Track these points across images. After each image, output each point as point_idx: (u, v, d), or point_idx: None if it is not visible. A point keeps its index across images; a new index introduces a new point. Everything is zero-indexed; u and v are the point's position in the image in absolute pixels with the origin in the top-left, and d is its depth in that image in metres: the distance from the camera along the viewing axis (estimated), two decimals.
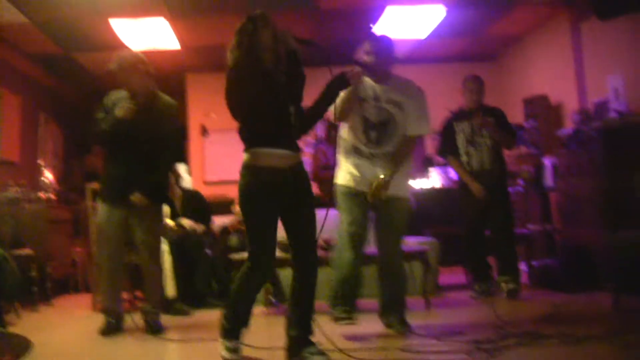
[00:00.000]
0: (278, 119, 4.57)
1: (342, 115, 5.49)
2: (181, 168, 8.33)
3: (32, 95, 11.06)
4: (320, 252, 6.86)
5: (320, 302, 5.41)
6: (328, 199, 9.26)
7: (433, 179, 10.31)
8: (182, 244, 7.66)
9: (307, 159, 11.47)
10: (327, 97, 4.87)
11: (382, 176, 5.50)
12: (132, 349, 5.58)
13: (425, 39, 10.88)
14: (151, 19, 9.35)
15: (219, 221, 8.63)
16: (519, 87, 10.99)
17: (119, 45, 10.15)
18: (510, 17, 9.93)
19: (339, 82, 4.83)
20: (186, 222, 8.05)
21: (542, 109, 9.76)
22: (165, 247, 7.44)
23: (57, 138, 12.18)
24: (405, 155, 5.65)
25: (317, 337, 4.68)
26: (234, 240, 7.70)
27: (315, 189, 9.78)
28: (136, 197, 5.90)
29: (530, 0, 9.23)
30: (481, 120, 7.24)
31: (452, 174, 10.30)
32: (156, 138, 6.00)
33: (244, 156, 4.57)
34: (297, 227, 4.75)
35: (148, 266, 6.15)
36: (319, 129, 11.62)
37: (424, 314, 6.48)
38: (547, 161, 8.77)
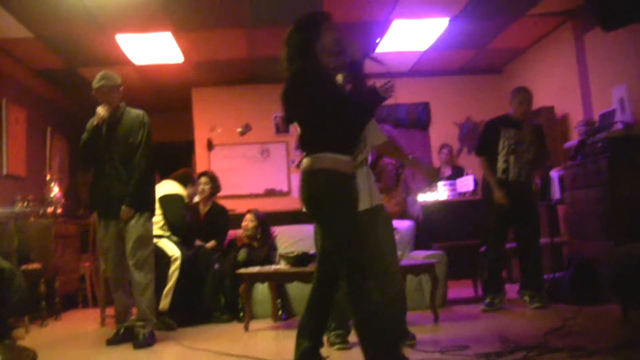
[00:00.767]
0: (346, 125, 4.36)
1: None
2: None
3: (38, 110, 11.08)
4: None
5: None
6: None
7: (441, 192, 10.30)
8: (193, 259, 7.66)
9: None
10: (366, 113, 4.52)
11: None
12: None
13: (430, 51, 10.91)
14: (156, 34, 9.38)
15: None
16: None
17: (123, 60, 10.21)
18: (514, 29, 9.95)
19: (376, 98, 4.45)
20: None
21: (547, 120, 9.76)
22: (177, 255, 7.49)
23: (63, 152, 12.20)
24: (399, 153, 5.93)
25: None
26: (242, 254, 7.69)
27: None
28: (123, 211, 6.14)
29: (534, 12, 9.23)
30: (529, 132, 7.30)
31: (460, 187, 10.30)
32: (130, 148, 6.27)
33: (307, 162, 4.33)
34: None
35: (134, 277, 6.22)
36: None
37: (432, 327, 6.47)
38: (554, 173, 8.77)
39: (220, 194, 8.83)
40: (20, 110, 10.22)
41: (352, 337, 5.18)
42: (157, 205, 7.82)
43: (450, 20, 9.43)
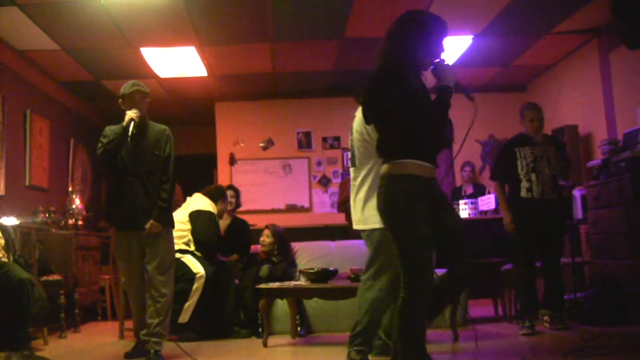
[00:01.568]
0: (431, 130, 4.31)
1: None
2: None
3: (62, 121, 11.15)
4: (348, 283, 6.89)
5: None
6: (354, 230, 9.28)
7: (462, 211, 10.26)
8: (214, 274, 7.66)
9: (334, 189, 11.48)
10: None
11: None
12: None
13: (454, 68, 10.86)
14: (181, 49, 9.43)
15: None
16: (548, 117, 10.88)
17: (148, 73, 10.26)
18: (538, 46, 9.92)
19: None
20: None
21: (571, 139, 9.70)
22: (202, 273, 7.49)
23: (86, 164, 12.26)
24: None
25: None
26: (264, 270, 7.66)
27: (342, 220, 9.82)
28: (151, 224, 5.96)
29: (559, 29, 9.20)
30: (545, 146, 7.13)
31: (482, 205, 10.25)
32: (156, 161, 6.15)
33: (387, 168, 4.23)
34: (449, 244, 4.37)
35: (157, 295, 6.04)
36: (346, 160, 11.64)
37: (452, 346, 6.43)
38: (577, 192, 8.71)
39: (242, 208, 8.85)
40: (44, 121, 10.28)
41: None
42: (184, 219, 7.87)
43: (474, 38, 9.41)
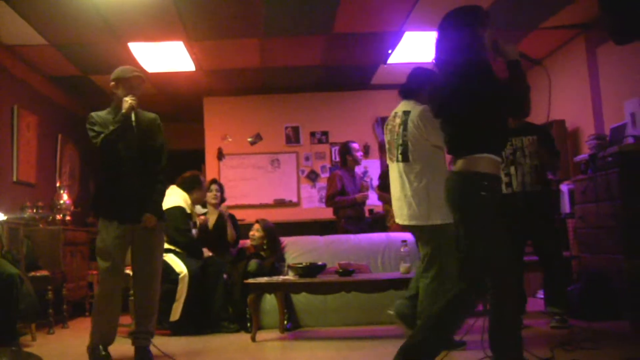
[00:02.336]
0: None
1: None
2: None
3: (49, 116, 11.12)
4: (336, 277, 6.91)
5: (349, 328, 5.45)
6: (343, 225, 9.32)
7: None
8: (201, 270, 7.66)
9: (322, 184, 11.50)
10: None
11: None
12: None
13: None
14: (169, 43, 9.41)
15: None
16: (535, 112, 10.91)
17: (136, 68, 10.21)
18: (526, 41, 9.93)
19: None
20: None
21: (558, 134, 9.72)
22: (185, 272, 7.47)
23: (74, 159, 12.22)
24: None
25: None
26: (253, 265, 7.66)
27: (330, 214, 9.84)
28: (147, 218, 5.72)
29: (547, 24, 9.22)
30: (537, 156, 7.05)
31: None
32: (150, 150, 5.91)
33: (465, 163, 4.20)
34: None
35: (148, 290, 5.88)
36: (335, 154, 11.66)
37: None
38: (564, 187, 8.74)
39: (230, 203, 8.86)
40: (31, 116, 10.25)
41: None
42: None
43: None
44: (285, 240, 8.41)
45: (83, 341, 5.89)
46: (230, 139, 12.16)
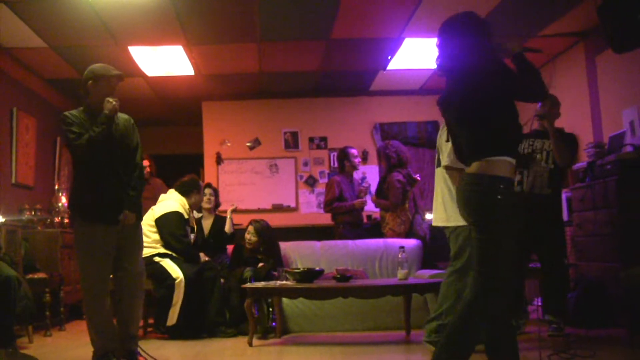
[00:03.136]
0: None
1: None
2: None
3: (48, 119, 11.11)
4: (333, 283, 6.91)
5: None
6: (340, 230, 9.32)
7: None
8: (198, 275, 7.65)
9: (320, 189, 11.50)
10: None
11: None
12: None
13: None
14: (169, 47, 9.42)
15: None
16: (534, 119, 10.95)
17: (136, 71, 10.25)
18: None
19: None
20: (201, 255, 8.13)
21: None
22: (181, 277, 7.46)
23: (72, 162, 12.20)
24: None
25: None
26: (248, 273, 7.63)
27: (328, 220, 9.84)
28: (126, 214, 5.64)
29: (546, 32, 9.23)
30: (547, 140, 6.94)
31: None
32: (127, 150, 5.82)
33: (480, 165, 4.14)
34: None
35: (135, 292, 5.84)
36: (333, 160, 11.65)
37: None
38: (562, 195, 8.75)
39: (228, 207, 8.86)
40: (30, 119, 10.25)
41: None
42: (151, 223, 7.83)
43: None
44: (283, 246, 8.40)
45: (80, 344, 5.91)
46: (228, 144, 12.16)
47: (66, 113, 5.83)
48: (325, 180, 11.69)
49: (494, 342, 4.09)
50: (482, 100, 4.16)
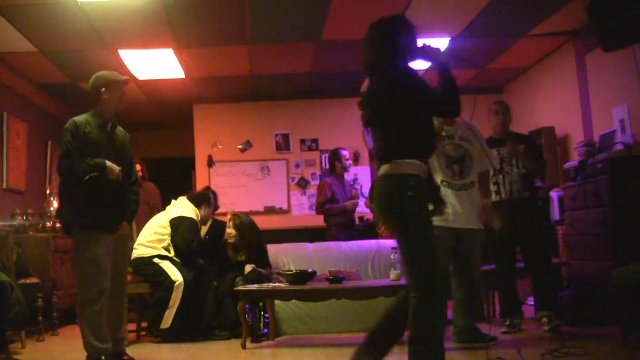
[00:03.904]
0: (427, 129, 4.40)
1: None
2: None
3: (39, 124, 11.09)
4: (326, 285, 6.91)
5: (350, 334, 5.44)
6: (333, 232, 9.32)
7: None
8: (195, 278, 7.66)
9: (312, 191, 11.50)
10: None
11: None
12: None
13: (431, 70, 10.91)
14: (159, 51, 9.41)
15: None
16: (525, 119, 10.97)
17: (126, 75, 10.19)
18: (515, 49, 9.97)
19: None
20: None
21: (548, 141, 9.75)
22: (180, 280, 7.47)
23: None
24: (485, 188, 6.61)
25: None
26: (239, 282, 7.61)
27: (320, 221, 9.84)
28: (124, 227, 5.92)
29: (536, 32, 9.25)
30: (511, 148, 7.19)
31: None
32: (126, 162, 6.00)
33: (388, 167, 4.22)
34: None
35: (123, 296, 6.05)
36: (325, 161, 11.65)
37: None
38: (554, 194, 8.76)
39: (220, 210, 8.86)
40: (21, 123, 10.23)
41: None
42: (165, 223, 7.87)
43: (451, 40, 9.43)
44: (276, 248, 8.40)
45: (73, 348, 5.92)
46: (220, 146, 12.15)
47: (75, 120, 5.95)
48: (317, 182, 11.68)
49: (415, 338, 4.12)
50: (399, 107, 4.24)
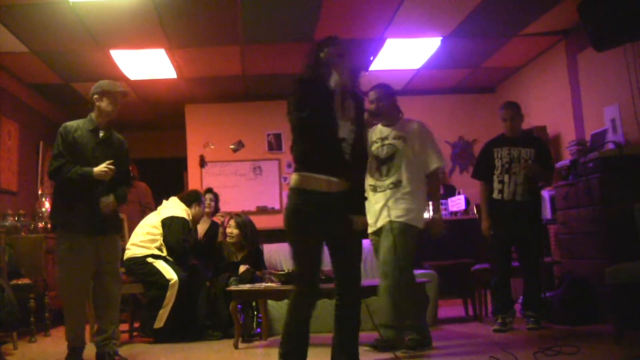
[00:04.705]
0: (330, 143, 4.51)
1: None
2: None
3: (31, 124, 11.07)
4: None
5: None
6: None
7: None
8: (188, 277, 7.66)
9: None
10: None
11: (436, 216, 6.34)
12: None
13: (423, 70, 10.94)
14: (151, 51, 9.39)
15: None
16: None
17: (118, 75, 10.21)
18: (507, 48, 9.98)
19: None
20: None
21: None
22: (175, 279, 7.47)
23: None
24: (434, 189, 6.31)
25: None
26: (233, 283, 7.63)
27: None
28: (107, 203, 5.90)
29: (527, 31, 9.26)
30: (525, 168, 7.21)
31: (452, 206, 10.29)
32: (118, 174, 6.00)
33: (292, 178, 4.51)
34: (339, 257, 4.67)
35: (114, 294, 6.09)
36: None
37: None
38: (545, 193, 8.78)
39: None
40: (12, 124, 10.20)
41: None
42: (157, 223, 7.88)
43: (442, 40, 9.45)
44: (268, 248, 8.41)
45: (65, 349, 5.89)
46: (212, 146, 12.14)
47: (67, 125, 6.11)
48: None
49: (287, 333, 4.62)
50: (308, 121, 4.49)
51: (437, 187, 6.51)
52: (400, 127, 6.20)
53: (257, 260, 8.06)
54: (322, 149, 4.44)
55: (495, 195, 7.31)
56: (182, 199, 8.22)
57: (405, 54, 10.06)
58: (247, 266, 7.76)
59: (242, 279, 7.55)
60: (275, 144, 12.33)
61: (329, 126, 4.45)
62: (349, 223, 4.54)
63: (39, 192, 11.05)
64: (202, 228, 8.61)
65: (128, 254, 7.73)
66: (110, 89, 6.13)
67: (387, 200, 6.02)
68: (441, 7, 8.36)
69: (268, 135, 12.33)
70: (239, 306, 6.98)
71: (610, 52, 7.41)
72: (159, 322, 7.41)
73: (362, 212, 4.76)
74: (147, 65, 10.04)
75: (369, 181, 6.09)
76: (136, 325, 8.09)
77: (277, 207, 12.15)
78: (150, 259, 7.61)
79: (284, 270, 7.17)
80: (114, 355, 5.92)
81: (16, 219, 9.28)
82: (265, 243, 8.45)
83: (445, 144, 12.16)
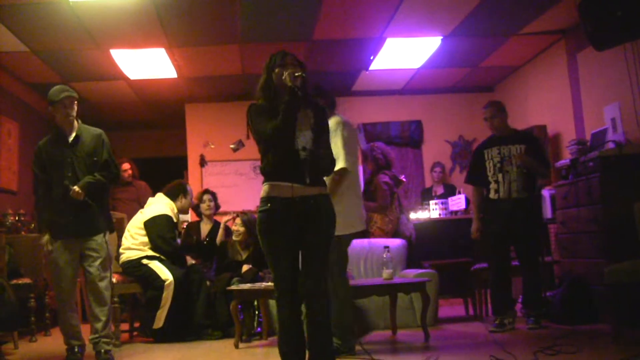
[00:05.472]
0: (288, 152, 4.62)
1: None
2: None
3: (31, 123, 11.06)
4: None
5: None
6: None
7: (432, 211, 10.32)
8: (185, 278, 7.66)
9: None
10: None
11: None
12: None
13: (423, 69, 10.93)
14: (151, 50, 9.39)
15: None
16: (516, 117, 10.95)
17: (118, 74, 10.21)
18: (507, 47, 9.98)
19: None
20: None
21: (539, 139, 9.75)
22: (170, 279, 7.47)
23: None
24: (332, 188, 5.72)
25: None
26: (235, 283, 7.63)
27: None
28: (75, 191, 5.94)
29: (527, 30, 9.26)
30: (518, 160, 7.18)
31: (452, 206, 10.30)
32: (94, 166, 6.14)
33: (263, 189, 4.72)
34: (304, 258, 4.66)
35: (103, 295, 6.13)
36: None
37: (423, 345, 6.45)
38: (546, 192, 8.77)
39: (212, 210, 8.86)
40: (12, 123, 10.20)
41: None
42: (140, 225, 7.88)
43: (442, 39, 9.45)
44: None
45: (65, 349, 5.91)
46: (212, 146, 12.14)
47: (39, 144, 6.49)
48: None
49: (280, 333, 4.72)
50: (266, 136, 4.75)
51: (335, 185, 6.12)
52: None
53: (260, 260, 8.05)
54: (282, 159, 4.62)
55: (492, 195, 7.31)
56: (167, 193, 8.20)
57: (405, 53, 10.06)
58: (250, 266, 7.77)
59: (245, 279, 7.56)
60: None
61: (286, 137, 4.61)
62: (314, 224, 4.56)
63: None
64: (205, 229, 8.62)
65: (123, 257, 7.76)
66: (55, 97, 6.29)
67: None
68: (441, 7, 8.36)
69: None
70: (239, 306, 6.98)
71: (610, 51, 7.40)
72: (158, 323, 7.42)
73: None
74: (147, 64, 10.03)
75: None
76: (136, 325, 8.10)
77: None
78: (145, 261, 7.62)
79: None
80: (105, 354, 6.00)
81: (16, 218, 9.27)
82: None
83: (445, 143, 12.17)
